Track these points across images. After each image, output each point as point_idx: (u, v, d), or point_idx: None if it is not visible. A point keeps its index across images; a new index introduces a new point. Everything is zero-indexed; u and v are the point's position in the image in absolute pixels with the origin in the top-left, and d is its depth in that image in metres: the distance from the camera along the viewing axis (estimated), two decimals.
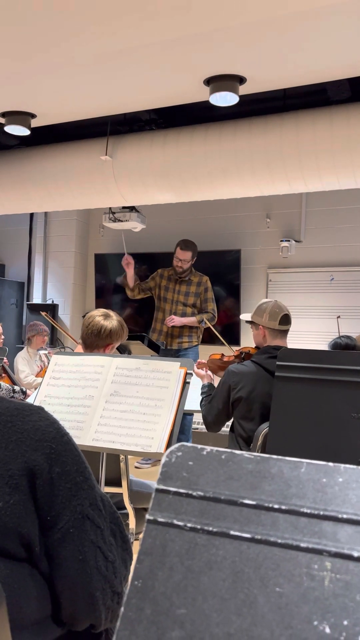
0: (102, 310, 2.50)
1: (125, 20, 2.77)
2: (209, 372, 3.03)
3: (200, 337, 5.35)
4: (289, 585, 0.43)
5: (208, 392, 2.88)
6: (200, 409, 2.90)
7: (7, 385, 3.60)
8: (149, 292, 5.53)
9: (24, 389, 3.67)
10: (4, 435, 0.97)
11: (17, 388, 3.61)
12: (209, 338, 5.38)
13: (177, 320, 5.17)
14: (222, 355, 3.04)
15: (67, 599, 0.97)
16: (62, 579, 0.96)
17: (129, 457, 2.30)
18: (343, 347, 3.50)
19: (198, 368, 3.03)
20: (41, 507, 0.95)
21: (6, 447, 0.96)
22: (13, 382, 4.30)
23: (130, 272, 5.46)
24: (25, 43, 3.04)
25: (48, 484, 0.95)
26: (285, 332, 2.83)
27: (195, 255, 5.34)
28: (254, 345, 2.94)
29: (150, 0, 2.60)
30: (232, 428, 2.81)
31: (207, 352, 5.36)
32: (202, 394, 2.92)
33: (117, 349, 2.56)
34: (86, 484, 1.00)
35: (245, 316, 3.00)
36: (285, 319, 2.80)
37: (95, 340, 2.43)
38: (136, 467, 4.94)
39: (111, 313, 2.50)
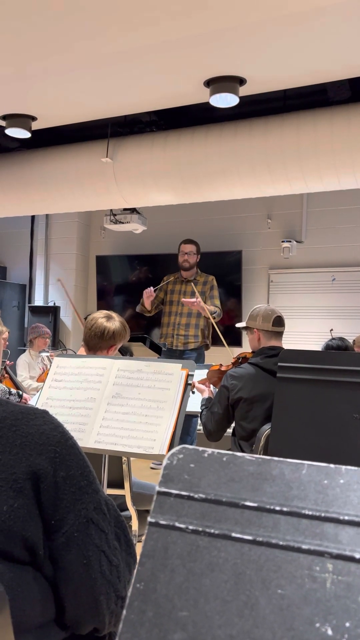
0: (104, 312, 2.49)
1: (125, 22, 2.77)
2: (210, 388, 3.03)
3: (210, 335, 5.28)
4: (290, 587, 0.43)
5: (207, 404, 2.88)
6: (200, 418, 2.91)
7: (4, 386, 3.56)
8: (161, 305, 5.40)
9: (21, 393, 3.64)
10: (8, 439, 0.97)
11: (13, 391, 3.59)
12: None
13: (197, 303, 4.72)
14: (221, 365, 3.04)
15: (70, 602, 0.97)
16: (66, 583, 0.96)
17: (141, 458, 2.29)
18: (335, 349, 3.51)
19: (200, 383, 3.04)
20: (45, 511, 0.95)
21: (10, 451, 0.96)
22: (15, 384, 4.29)
23: (148, 302, 5.21)
24: (26, 46, 3.04)
25: (52, 488, 0.95)
26: (280, 334, 2.84)
27: (199, 252, 5.30)
28: (250, 350, 2.94)
29: (150, 2, 2.61)
30: (233, 432, 2.81)
31: (209, 353, 5.37)
32: (201, 407, 2.92)
33: (119, 350, 2.56)
34: (90, 487, 1.00)
35: (240, 324, 3.02)
36: (279, 321, 2.82)
37: (98, 342, 2.42)
38: (152, 469, 4.91)
39: (113, 314, 2.49)
